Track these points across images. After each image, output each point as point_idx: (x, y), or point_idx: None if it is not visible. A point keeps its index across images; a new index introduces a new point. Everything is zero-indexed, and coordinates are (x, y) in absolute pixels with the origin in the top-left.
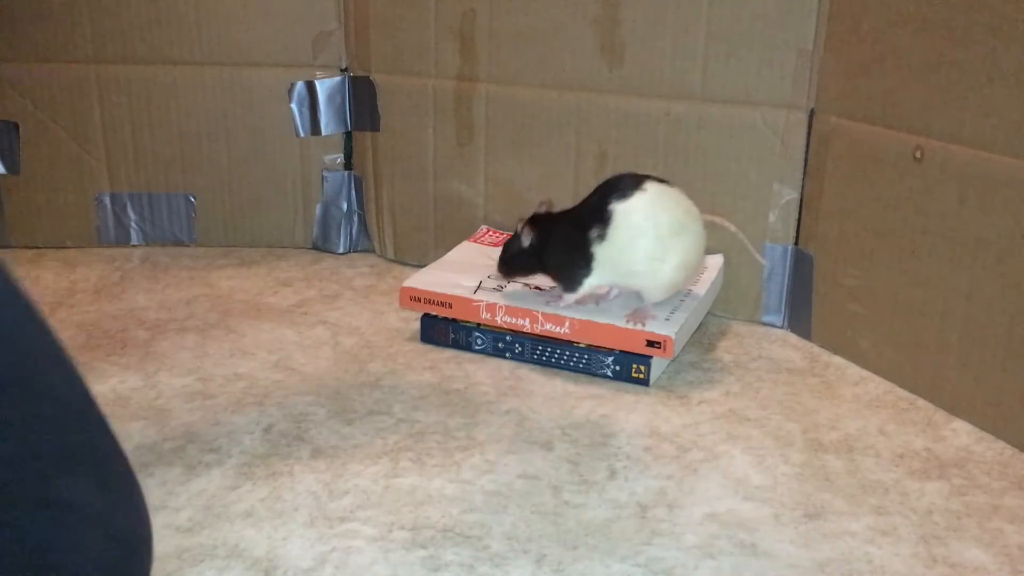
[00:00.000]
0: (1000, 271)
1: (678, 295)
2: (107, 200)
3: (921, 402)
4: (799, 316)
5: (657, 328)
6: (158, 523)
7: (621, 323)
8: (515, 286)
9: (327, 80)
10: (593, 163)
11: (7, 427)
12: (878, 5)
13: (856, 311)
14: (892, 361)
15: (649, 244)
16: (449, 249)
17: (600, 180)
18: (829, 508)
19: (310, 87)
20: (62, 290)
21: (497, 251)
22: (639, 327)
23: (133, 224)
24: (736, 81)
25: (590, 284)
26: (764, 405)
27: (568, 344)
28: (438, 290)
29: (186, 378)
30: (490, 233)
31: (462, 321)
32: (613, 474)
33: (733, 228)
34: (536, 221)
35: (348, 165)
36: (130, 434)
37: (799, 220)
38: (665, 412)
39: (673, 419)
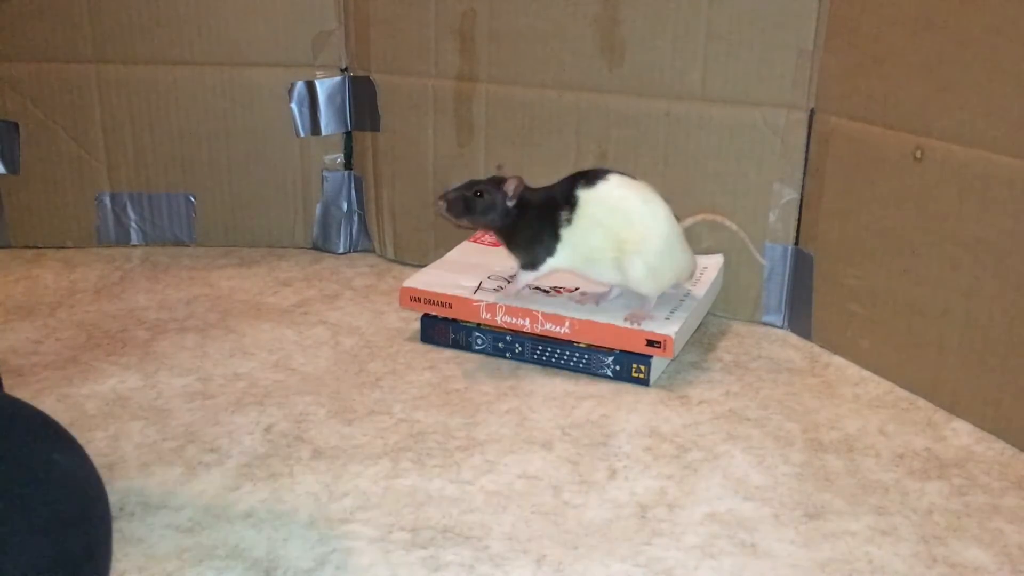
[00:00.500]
0: (1000, 271)
1: (678, 295)
2: (107, 200)
3: (921, 402)
4: (799, 316)
5: (657, 328)
6: (158, 523)
7: (621, 323)
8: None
9: (327, 80)
10: (593, 163)
11: None
12: (878, 5)
13: (856, 311)
14: (892, 361)
15: (608, 234)
16: (449, 249)
17: None
18: (829, 508)
19: (310, 87)
20: (62, 290)
21: (497, 251)
22: (637, 327)
23: (133, 224)
24: (736, 81)
25: (550, 265)
26: (764, 405)
27: (568, 344)
28: (438, 290)
29: (186, 378)
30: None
31: (462, 321)
32: (613, 474)
33: (734, 227)
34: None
35: (348, 165)
36: (130, 434)
37: (799, 220)
38: (665, 412)
39: (673, 419)
